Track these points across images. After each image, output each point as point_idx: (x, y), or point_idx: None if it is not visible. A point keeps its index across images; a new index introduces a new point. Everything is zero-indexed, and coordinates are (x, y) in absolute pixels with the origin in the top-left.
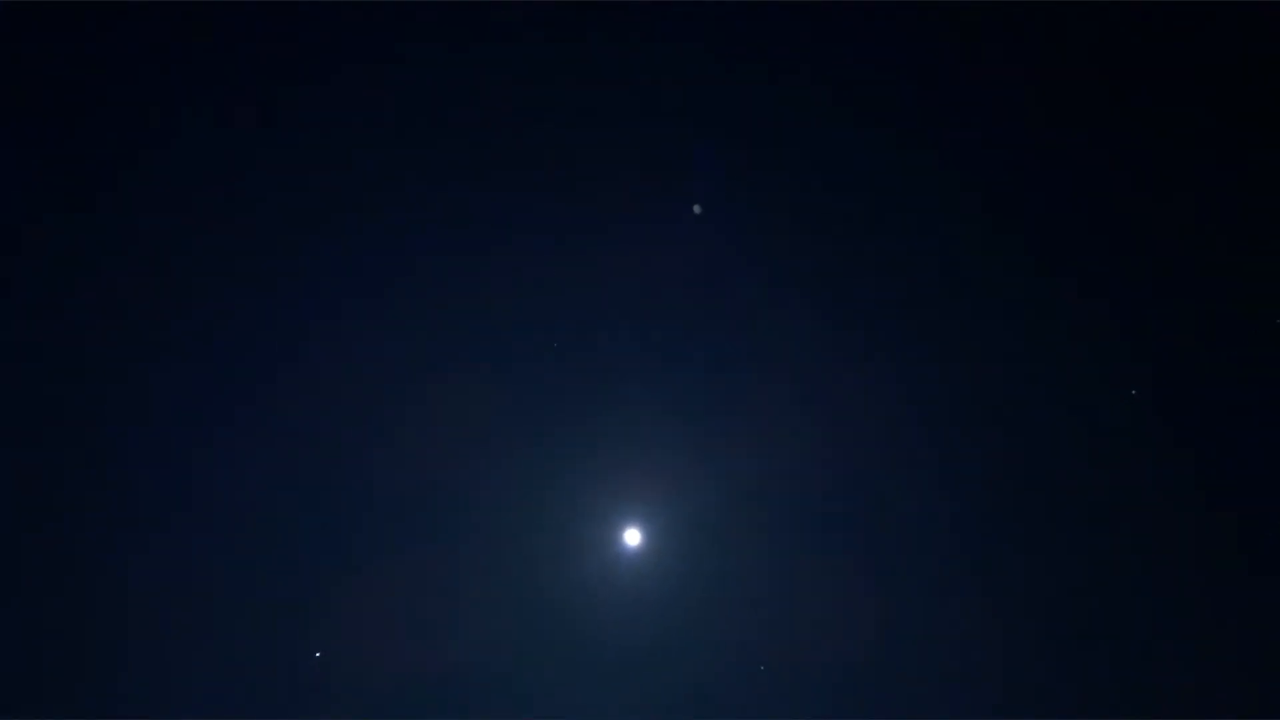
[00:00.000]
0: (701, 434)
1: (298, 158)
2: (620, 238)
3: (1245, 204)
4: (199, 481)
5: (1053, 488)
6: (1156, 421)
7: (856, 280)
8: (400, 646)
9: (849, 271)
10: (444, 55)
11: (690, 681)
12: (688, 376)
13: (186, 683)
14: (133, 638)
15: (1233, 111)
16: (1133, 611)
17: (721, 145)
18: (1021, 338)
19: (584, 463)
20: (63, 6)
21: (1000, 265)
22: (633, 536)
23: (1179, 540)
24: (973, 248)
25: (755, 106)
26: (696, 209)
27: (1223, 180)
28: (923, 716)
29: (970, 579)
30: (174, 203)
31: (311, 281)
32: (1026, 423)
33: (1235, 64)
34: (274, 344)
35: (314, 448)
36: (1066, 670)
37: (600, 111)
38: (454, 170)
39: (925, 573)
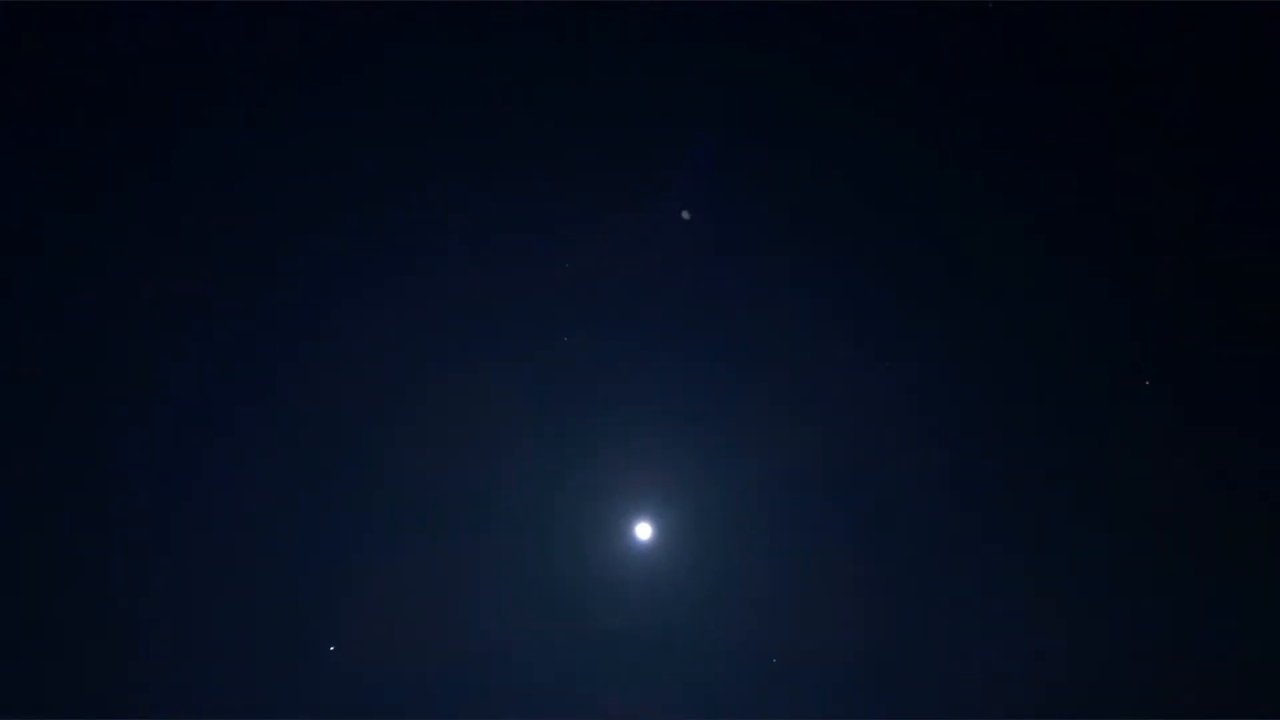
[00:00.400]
0: (713, 430)
1: (297, 158)
2: (632, 234)
3: (1252, 202)
4: (217, 477)
5: (1063, 484)
6: (1164, 420)
7: (870, 277)
8: (413, 640)
9: (863, 268)
10: (442, 55)
11: (703, 674)
12: (699, 373)
13: (204, 679)
14: (147, 634)
15: (1237, 110)
16: (1144, 610)
17: (735, 141)
18: (1031, 335)
19: (595, 458)
20: (63, 6)
21: (1009, 261)
22: (644, 530)
23: (1188, 539)
24: (979, 244)
25: (763, 104)
26: (685, 215)
27: (1229, 178)
28: (935, 709)
29: (982, 574)
30: (176, 203)
31: (326, 281)
32: (1035, 420)
33: (1237, 64)
34: (285, 344)
35: (329, 444)
36: (1076, 668)
37: (614, 109)
38: (465, 168)
39: (937, 568)
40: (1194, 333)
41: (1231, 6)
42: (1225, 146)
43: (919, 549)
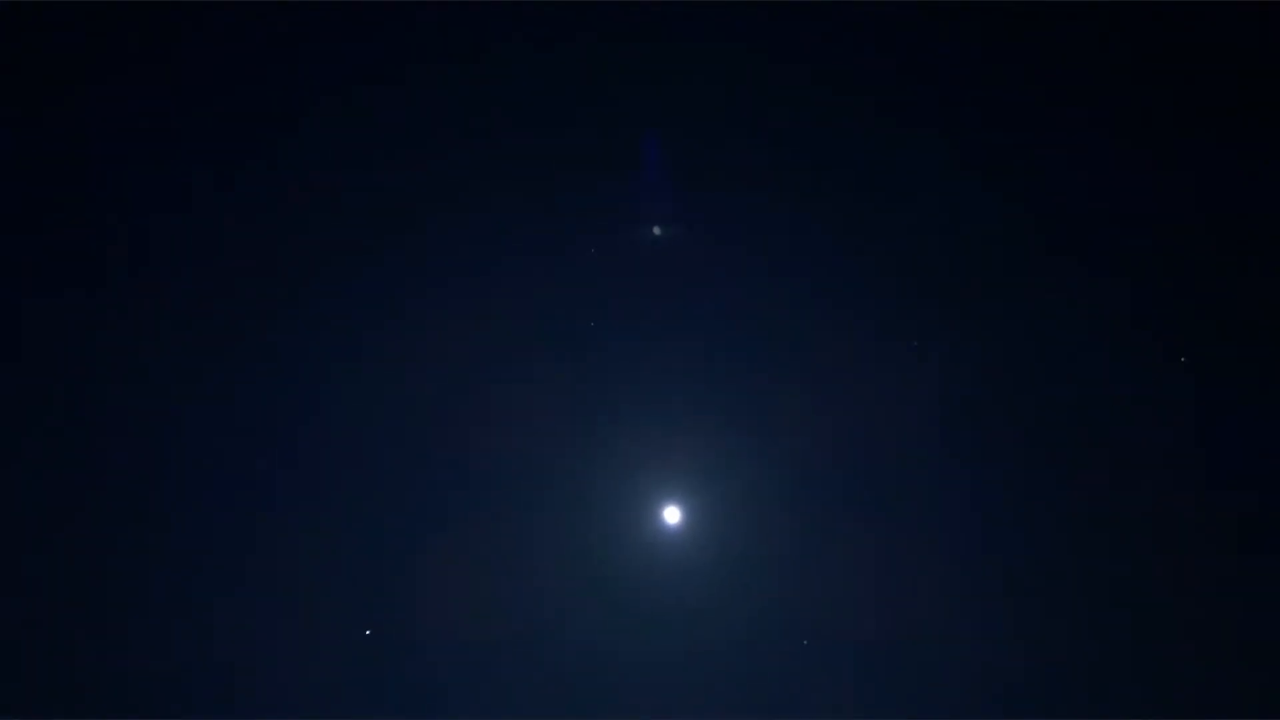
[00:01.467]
0: (739, 418)
1: (299, 162)
2: (652, 231)
3: (1263, 198)
4: (264, 465)
5: (1087, 477)
6: (1186, 417)
7: (891, 269)
8: (445, 624)
9: (887, 260)
10: (441, 56)
11: (735, 656)
12: (724, 363)
13: (243, 666)
14: (172, 623)
15: (1243, 108)
16: (1174, 608)
17: (756, 135)
18: (1057, 329)
19: (627, 446)
20: (63, 6)
21: (1028, 254)
22: (672, 515)
23: (1203, 538)
24: (996, 235)
25: (769, 102)
26: (656, 230)
27: (1236, 175)
28: (967, 693)
29: (1011, 561)
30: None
31: (357, 284)
32: (1060, 412)
33: (1244, 61)
34: (330, 346)
35: (369, 437)
36: (1088, 663)
37: (630, 107)
38: (487, 163)
39: (965, 554)
40: (1209, 332)
41: (1231, 6)
42: (1235, 144)
43: (948, 534)
